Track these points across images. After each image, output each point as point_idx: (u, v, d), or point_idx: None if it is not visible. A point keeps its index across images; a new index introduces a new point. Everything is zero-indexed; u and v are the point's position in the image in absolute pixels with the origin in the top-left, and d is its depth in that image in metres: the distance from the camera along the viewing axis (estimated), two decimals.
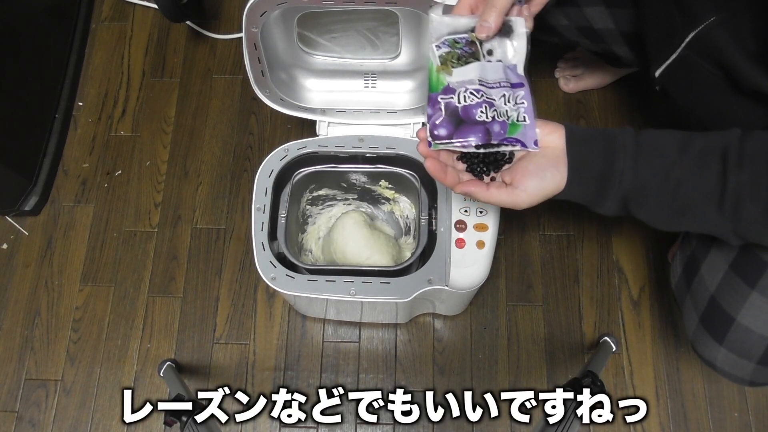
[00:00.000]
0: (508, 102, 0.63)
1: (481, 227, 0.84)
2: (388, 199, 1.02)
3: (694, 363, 1.05)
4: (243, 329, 1.09)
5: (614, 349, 1.01)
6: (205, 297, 1.11)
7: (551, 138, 0.62)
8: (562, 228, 1.14)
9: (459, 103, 0.62)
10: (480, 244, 0.83)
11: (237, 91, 1.27)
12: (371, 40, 0.89)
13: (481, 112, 0.62)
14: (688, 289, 0.77)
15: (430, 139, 0.62)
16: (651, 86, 0.81)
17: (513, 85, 0.64)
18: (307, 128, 1.22)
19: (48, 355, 1.08)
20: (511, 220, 1.14)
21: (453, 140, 0.61)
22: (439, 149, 0.62)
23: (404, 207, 1.02)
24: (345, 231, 0.97)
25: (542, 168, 0.61)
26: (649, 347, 1.06)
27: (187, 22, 1.31)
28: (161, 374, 1.00)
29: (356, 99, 0.95)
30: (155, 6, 1.27)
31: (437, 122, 0.61)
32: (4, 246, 1.17)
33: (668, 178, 0.59)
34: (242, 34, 0.81)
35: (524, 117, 0.62)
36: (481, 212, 0.85)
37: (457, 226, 0.84)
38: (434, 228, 0.88)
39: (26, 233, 1.17)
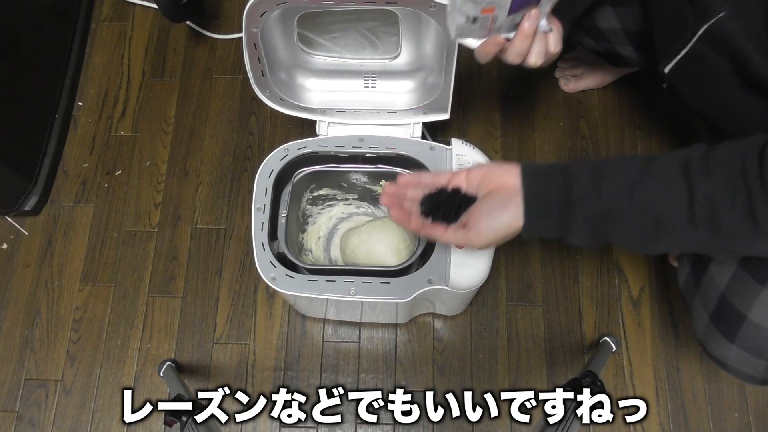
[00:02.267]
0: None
1: None
2: None
3: (694, 363, 1.05)
4: (243, 329, 1.09)
5: (614, 349, 1.01)
6: (205, 297, 1.11)
7: (506, 178, 0.64)
8: None
9: None
10: None
11: (237, 91, 1.27)
12: (371, 40, 0.89)
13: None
14: (697, 288, 0.77)
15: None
16: (658, 83, 0.81)
17: None
18: (307, 128, 1.22)
19: (48, 355, 1.08)
20: None
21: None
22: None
23: None
24: (372, 235, 0.96)
25: (492, 209, 0.64)
26: (649, 347, 1.06)
27: (187, 22, 1.31)
28: (161, 374, 1.00)
29: (356, 99, 0.95)
30: (155, 6, 1.27)
31: None
32: (4, 246, 1.17)
33: (633, 196, 0.59)
34: (242, 34, 0.81)
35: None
36: None
37: None
38: None
39: (26, 233, 1.17)
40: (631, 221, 0.59)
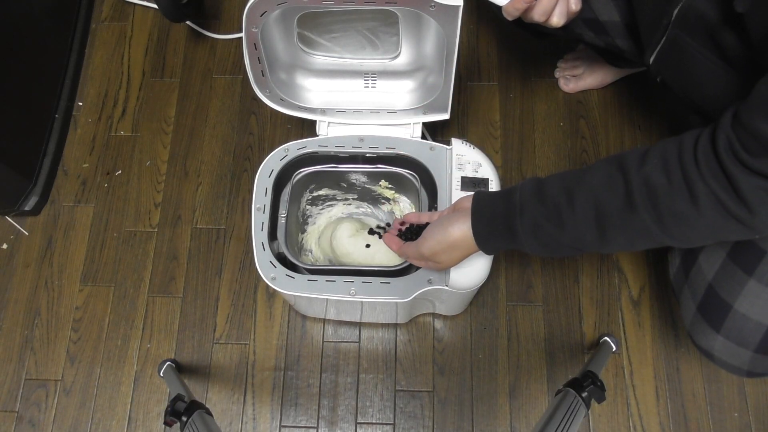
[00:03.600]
0: None
1: None
2: (388, 199, 1.02)
3: (695, 363, 1.05)
4: (243, 329, 1.09)
5: (614, 349, 1.01)
6: (205, 297, 1.11)
7: (460, 203, 0.73)
8: None
9: None
10: None
11: (237, 91, 1.27)
12: (371, 40, 0.89)
13: None
14: (686, 278, 0.78)
15: None
16: (651, 79, 0.81)
17: None
18: (307, 128, 1.22)
19: (48, 355, 1.08)
20: None
21: None
22: None
23: (404, 207, 1.02)
24: (343, 242, 0.97)
25: (441, 222, 0.72)
26: (649, 347, 1.06)
27: (187, 22, 1.31)
28: (161, 374, 1.00)
29: (356, 99, 0.95)
30: (155, 6, 1.27)
31: None
32: (4, 246, 1.17)
33: (573, 195, 0.62)
34: (242, 34, 0.81)
35: None
36: None
37: None
38: None
39: (26, 233, 1.17)
40: (575, 220, 0.62)
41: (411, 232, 0.81)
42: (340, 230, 0.98)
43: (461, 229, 0.70)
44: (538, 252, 0.66)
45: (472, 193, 0.72)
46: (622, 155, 0.61)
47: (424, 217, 0.80)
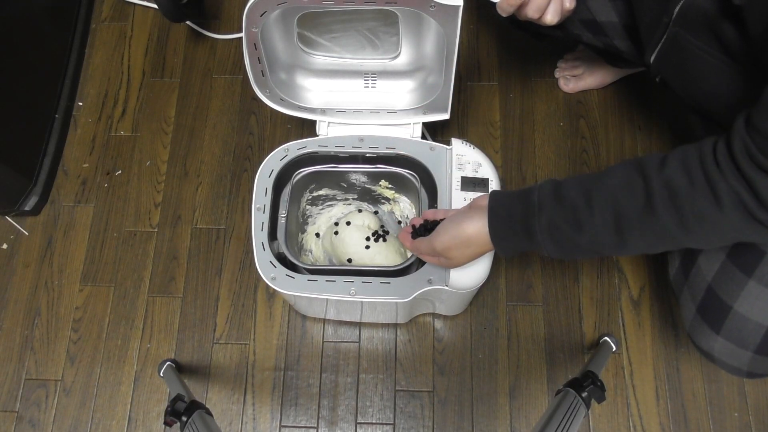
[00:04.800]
0: None
1: None
2: (388, 199, 1.02)
3: (695, 363, 1.05)
4: (243, 329, 1.09)
5: (614, 349, 1.01)
6: (205, 297, 1.11)
7: (476, 201, 0.72)
8: None
9: None
10: None
11: (237, 91, 1.27)
12: (371, 40, 0.89)
13: None
14: (685, 279, 0.78)
15: None
16: (651, 78, 0.81)
17: None
18: (307, 128, 1.22)
19: (48, 355, 1.08)
20: None
21: None
22: None
23: (404, 207, 1.02)
24: (345, 241, 0.97)
25: (456, 218, 0.72)
26: (649, 347, 1.06)
27: (187, 22, 1.31)
28: (161, 374, 1.00)
29: (356, 99, 0.95)
30: (155, 6, 1.27)
31: None
32: (4, 246, 1.17)
33: (591, 198, 0.62)
34: (242, 34, 0.81)
35: None
36: None
37: None
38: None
39: (26, 233, 1.17)
40: (593, 223, 0.61)
41: (425, 228, 0.80)
42: (345, 229, 0.98)
43: (476, 227, 0.69)
44: (554, 254, 0.66)
45: (489, 192, 0.71)
46: (640, 159, 0.61)
47: (440, 214, 0.79)
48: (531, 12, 0.74)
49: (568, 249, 0.65)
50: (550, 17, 0.74)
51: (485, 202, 0.70)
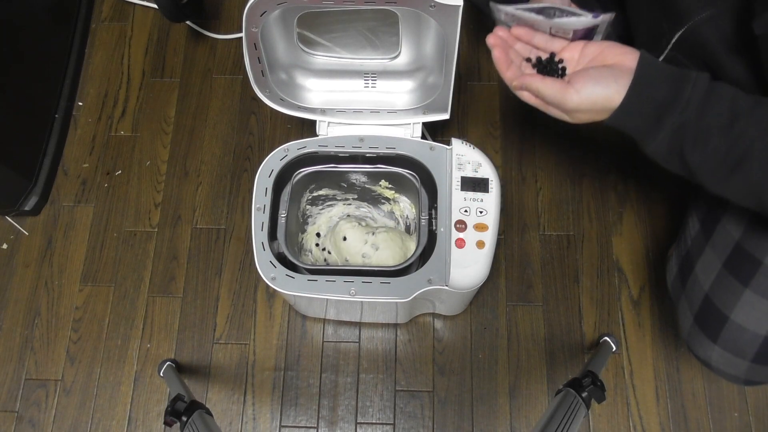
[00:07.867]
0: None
1: (481, 227, 0.84)
2: (388, 199, 1.02)
3: (695, 363, 1.05)
4: (243, 329, 1.09)
5: (614, 349, 1.01)
6: (205, 297, 1.11)
7: (623, 58, 0.62)
8: (562, 228, 1.14)
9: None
10: (480, 244, 0.83)
11: (237, 91, 1.27)
12: (371, 40, 0.89)
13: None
14: (683, 288, 0.78)
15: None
16: None
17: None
18: (307, 128, 1.22)
19: (48, 355, 1.08)
20: (511, 220, 1.14)
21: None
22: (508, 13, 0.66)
23: (404, 207, 1.02)
24: (340, 239, 0.97)
25: (603, 75, 0.61)
26: (649, 347, 1.06)
27: (187, 22, 1.31)
28: (161, 374, 1.00)
29: (356, 99, 0.95)
30: (155, 6, 1.27)
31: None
32: (4, 246, 1.17)
33: (732, 127, 0.56)
34: (242, 34, 0.81)
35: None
36: (481, 212, 0.85)
37: (457, 226, 0.84)
38: (434, 228, 0.88)
39: (26, 233, 1.17)
40: (719, 146, 0.57)
41: (551, 66, 0.68)
42: (345, 230, 0.98)
43: (616, 94, 0.61)
44: (655, 153, 0.61)
45: (634, 51, 0.62)
46: None
47: (555, 46, 0.68)
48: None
49: (673, 158, 0.60)
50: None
51: (632, 65, 0.61)
